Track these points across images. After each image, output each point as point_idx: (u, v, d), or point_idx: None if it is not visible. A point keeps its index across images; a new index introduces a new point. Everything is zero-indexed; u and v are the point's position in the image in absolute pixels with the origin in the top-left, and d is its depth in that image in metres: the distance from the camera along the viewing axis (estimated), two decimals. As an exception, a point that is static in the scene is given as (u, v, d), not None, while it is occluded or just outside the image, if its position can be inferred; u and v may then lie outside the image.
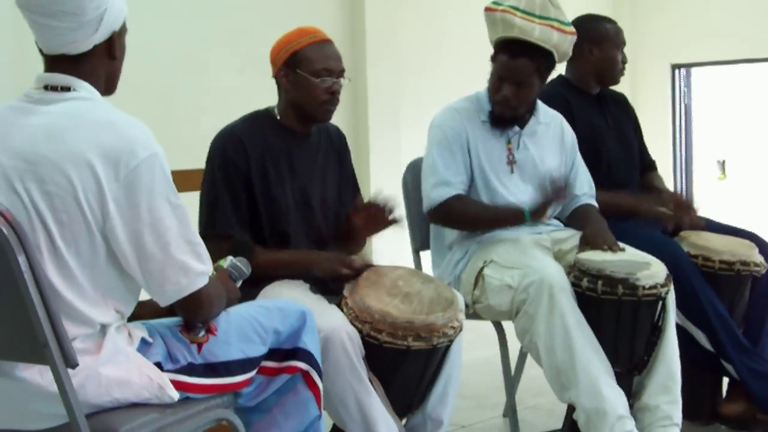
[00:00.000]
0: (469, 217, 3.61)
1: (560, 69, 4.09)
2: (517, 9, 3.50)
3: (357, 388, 2.83)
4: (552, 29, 3.51)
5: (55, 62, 2.27)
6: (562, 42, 3.55)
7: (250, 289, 2.93)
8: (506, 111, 3.61)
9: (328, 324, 2.80)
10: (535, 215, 3.52)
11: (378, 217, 3.29)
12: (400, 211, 3.38)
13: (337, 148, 3.43)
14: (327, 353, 2.76)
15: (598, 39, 4.10)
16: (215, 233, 3.06)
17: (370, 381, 2.88)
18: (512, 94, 3.55)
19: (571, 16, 3.74)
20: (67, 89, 2.24)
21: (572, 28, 3.61)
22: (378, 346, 2.87)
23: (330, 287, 3.10)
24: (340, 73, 3.22)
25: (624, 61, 4.14)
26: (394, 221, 3.31)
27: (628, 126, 4.28)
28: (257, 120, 3.26)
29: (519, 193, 3.64)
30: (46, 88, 2.26)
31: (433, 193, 3.57)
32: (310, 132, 3.31)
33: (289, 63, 3.19)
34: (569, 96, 4.06)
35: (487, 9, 3.60)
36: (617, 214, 3.85)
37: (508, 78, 3.55)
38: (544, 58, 3.55)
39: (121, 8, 2.32)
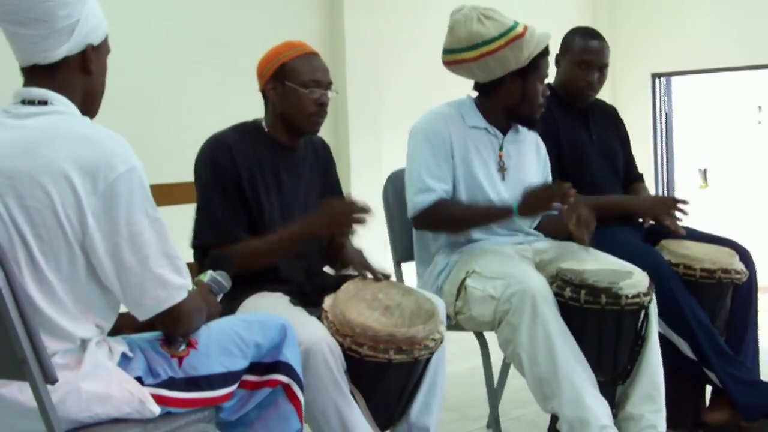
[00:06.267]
0: (455, 218, 3.56)
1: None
2: (506, 33, 3.53)
3: (338, 401, 2.81)
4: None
5: (30, 75, 2.28)
6: None
7: (230, 302, 2.93)
8: (543, 104, 3.67)
9: (309, 336, 2.79)
10: (524, 211, 3.43)
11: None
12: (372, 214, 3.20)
13: (323, 160, 3.43)
14: (308, 366, 2.74)
15: (564, 50, 4.10)
16: (227, 239, 3.06)
17: (352, 394, 2.86)
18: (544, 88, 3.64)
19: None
20: (44, 103, 2.24)
21: None
22: (359, 360, 2.85)
23: (310, 299, 3.09)
24: (328, 85, 3.24)
25: (590, 81, 4.05)
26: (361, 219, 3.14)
27: (614, 140, 4.26)
28: (245, 130, 3.25)
29: (511, 199, 3.61)
30: (23, 102, 2.25)
31: (416, 199, 3.54)
32: (297, 145, 3.30)
33: (277, 75, 3.19)
34: (554, 106, 4.02)
35: (515, 38, 3.51)
36: (609, 215, 3.85)
37: (544, 74, 3.63)
38: None
39: (98, 23, 2.32)
